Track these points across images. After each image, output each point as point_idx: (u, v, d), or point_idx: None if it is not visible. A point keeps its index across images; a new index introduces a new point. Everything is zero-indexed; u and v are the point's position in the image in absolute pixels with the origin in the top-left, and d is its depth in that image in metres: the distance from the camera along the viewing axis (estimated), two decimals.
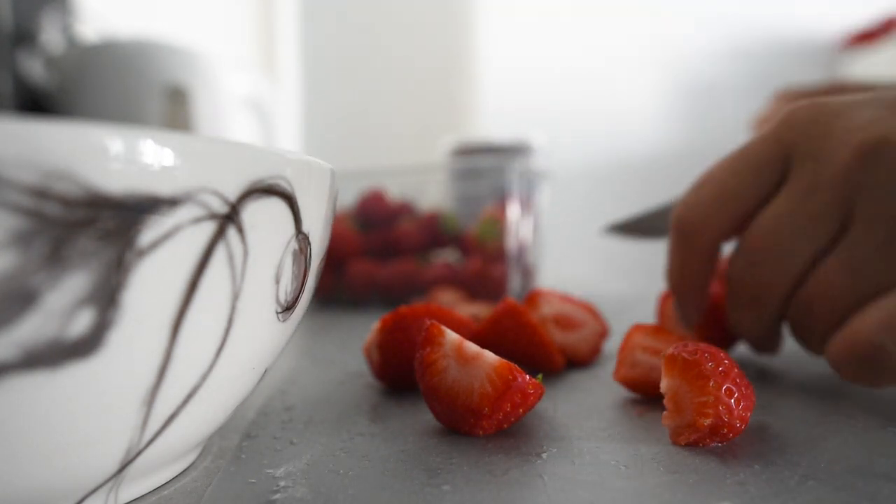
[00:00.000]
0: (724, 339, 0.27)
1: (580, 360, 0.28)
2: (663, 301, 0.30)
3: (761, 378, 0.26)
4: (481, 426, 0.18)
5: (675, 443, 0.18)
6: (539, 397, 0.19)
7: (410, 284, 0.47)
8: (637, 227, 0.36)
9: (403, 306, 0.24)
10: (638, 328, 0.23)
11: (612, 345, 0.33)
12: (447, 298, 0.42)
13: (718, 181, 0.24)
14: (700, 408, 0.17)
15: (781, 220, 0.22)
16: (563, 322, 0.28)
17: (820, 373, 0.26)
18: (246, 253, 0.14)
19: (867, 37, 1.52)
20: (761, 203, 0.23)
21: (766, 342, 0.25)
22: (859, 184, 0.20)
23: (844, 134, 0.21)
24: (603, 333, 0.29)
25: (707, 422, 0.17)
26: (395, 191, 0.52)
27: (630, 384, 0.23)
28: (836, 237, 0.21)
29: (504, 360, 0.18)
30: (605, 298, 0.47)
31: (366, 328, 0.25)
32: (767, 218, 0.23)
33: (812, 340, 0.23)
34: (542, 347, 0.25)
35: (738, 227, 0.24)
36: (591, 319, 0.29)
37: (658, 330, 0.23)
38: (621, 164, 1.59)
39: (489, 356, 0.18)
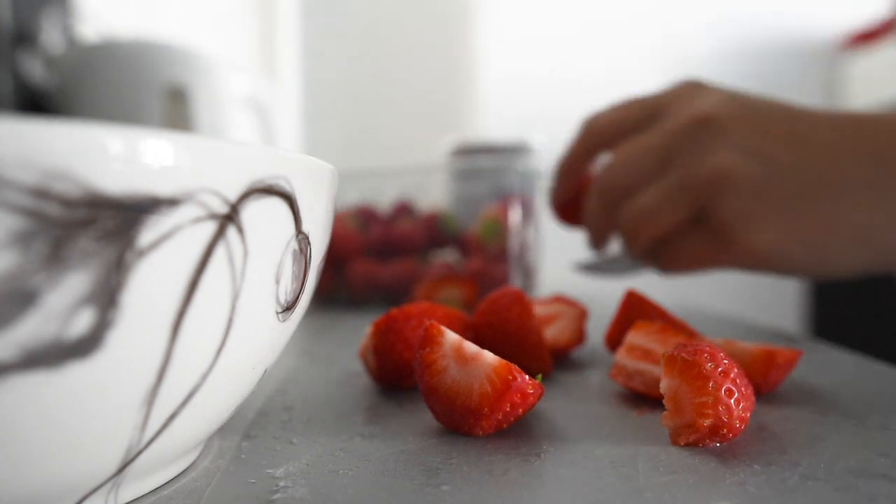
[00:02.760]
0: (574, 221, 0.40)
1: (568, 347, 0.28)
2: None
3: None
4: (481, 426, 0.18)
5: (674, 443, 0.18)
6: (539, 397, 0.19)
7: (410, 284, 0.47)
8: (601, 269, 0.43)
9: (394, 308, 0.24)
10: (639, 326, 0.23)
11: (595, 327, 0.33)
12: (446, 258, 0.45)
13: (618, 111, 0.35)
14: (700, 408, 0.17)
15: (633, 147, 0.33)
16: (539, 321, 0.28)
17: (820, 373, 0.26)
18: (246, 253, 0.14)
19: (867, 37, 1.52)
20: (632, 131, 0.34)
21: (597, 235, 0.37)
22: (682, 140, 0.31)
23: (693, 105, 0.32)
24: (581, 316, 0.29)
25: (707, 422, 0.17)
26: (395, 191, 0.52)
27: (628, 387, 0.23)
28: (657, 173, 0.32)
29: (504, 361, 0.18)
30: (606, 298, 0.47)
31: (366, 328, 0.25)
32: (628, 144, 0.33)
33: (626, 242, 0.34)
34: (534, 342, 0.25)
35: (610, 136, 0.36)
36: (565, 308, 0.29)
37: (661, 329, 0.23)
38: None
39: (489, 356, 0.18)
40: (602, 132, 0.36)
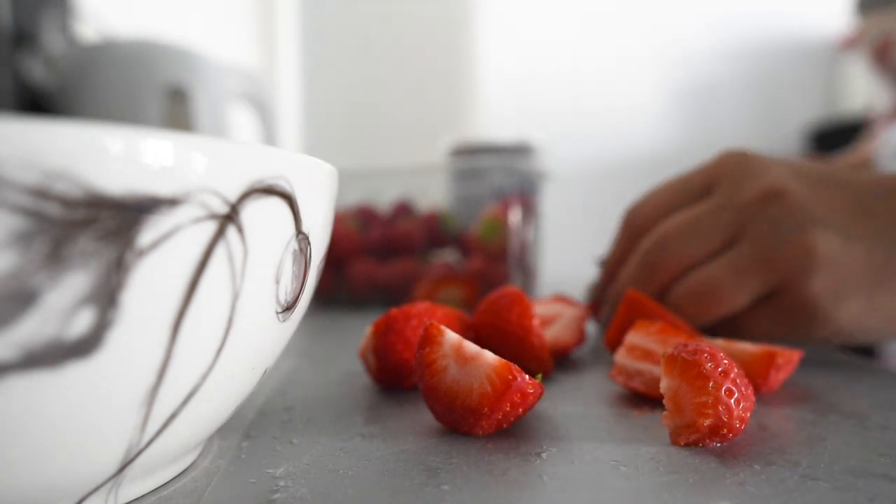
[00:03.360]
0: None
1: (568, 347, 0.28)
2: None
3: None
4: (481, 426, 0.18)
5: (674, 443, 0.18)
6: (539, 397, 0.19)
7: (410, 284, 0.47)
8: None
9: (394, 308, 0.24)
10: (639, 325, 0.23)
11: (595, 327, 0.33)
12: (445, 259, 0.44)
13: (660, 195, 0.32)
14: (700, 408, 0.17)
15: (691, 221, 0.30)
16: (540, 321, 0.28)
17: (820, 373, 0.26)
18: (246, 253, 0.14)
19: None
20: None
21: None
22: (754, 215, 0.29)
23: (757, 179, 0.29)
24: (581, 316, 0.29)
25: (707, 422, 0.17)
26: (395, 191, 0.52)
27: (628, 387, 0.23)
28: (721, 248, 0.29)
29: (504, 360, 0.18)
30: None
31: (366, 328, 0.25)
32: (682, 217, 0.30)
33: (682, 315, 0.30)
34: (532, 343, 0.25)
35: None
36: (565, 308, 0.29)
37: (661, 329, 0.23)
38: (621, 163, 1.59)
39: (489, 356, 0.18)
40: (646, 225, 0.32)
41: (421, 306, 0.24)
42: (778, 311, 0.29)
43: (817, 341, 0.29)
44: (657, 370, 0.22)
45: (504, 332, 0.25)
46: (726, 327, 0.30)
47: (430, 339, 0.19)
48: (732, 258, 0.29)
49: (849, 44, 1.48)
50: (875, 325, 0.29)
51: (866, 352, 0.82)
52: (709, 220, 0.29)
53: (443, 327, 0.19)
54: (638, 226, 0.32)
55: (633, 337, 0.23)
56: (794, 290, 0.28)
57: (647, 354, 0.22)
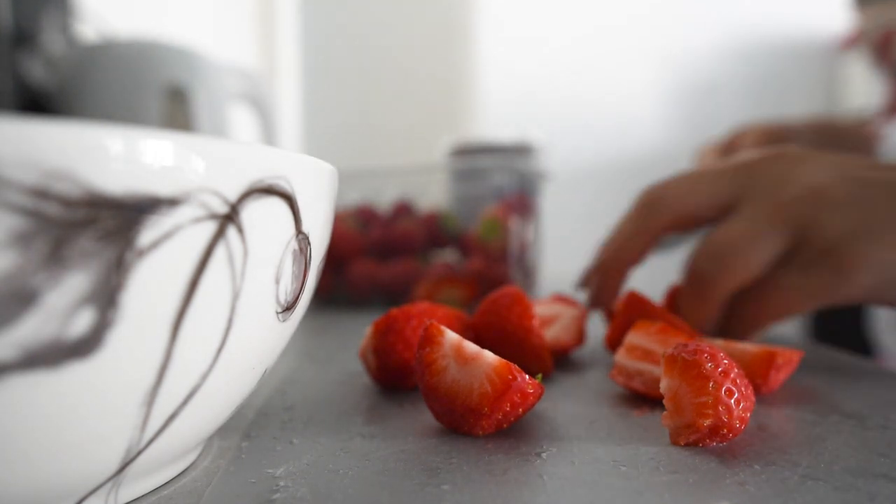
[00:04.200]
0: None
1: (568, 347, 0.28)
2: (670, 296, 0.31)
3: None
4: (481, 426, 0.18)
5: (674, 443, 0.18)
6: (539, 397, 0.19)
7: (410, 284, 0.47)
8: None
9: (395, 308, 0.24)
10: (639, 325, 0.23)
11: (595, 327, 0.33)
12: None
13: (684, 184, 0.31)
14: (700, 408, 0.17)
15: (743, 231, 0.28)
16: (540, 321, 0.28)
17: (820, 373, 0.26)
18: (246, 253, 0.14)
19: None
20: (707, 215, 0.30)
21: (708, 325, 0.30)
22: (806, 215, 0.27)
23: (797, 181, 0.28)
24: (581, 316, 0.29)
25: (707, 422, 0.17)
26: (395, 191, 0.52)
27: (628, 387, 0.23)
28: (782, 251, 0.28)
29: (504, 360, 0.18)
30: None
31: (366, 328, 0.25)
32: (730, 229, 0.28)
33: (743, 326, 0.29)
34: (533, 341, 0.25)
35: (681, 225, 0.31)
36: (565, 308, 0.29)
37: (661, 329, 0.23)
38: (621, 163, 1.59)
39: (489, 356, 0.18)
40: (674, 214, 0.30)
41: (421, 306, 0.24)
42: (805, 260, 0.27)
43: (859, 296, 0.27)
44: (657, 370, 0.22)
45: (504, 332, 0.25)
46: (763, 297, 0.28)
47: (430, 339, 0.19)
48: (745, 213, 0.28)
49: (849, 43, 1.48)
50: None
51: (866, 352, 0.83)
52: (760, 227, 0.28)
53: (443, 327, 0.19)
54: (655, 205, 0.31)
55: (633, 337, 0.23)
56: (815, 235, 0.27)
57: (647, 354, 0.22)
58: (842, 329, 0.89)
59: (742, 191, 0.29)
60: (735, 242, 0.28)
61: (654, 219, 0.31)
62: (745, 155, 0.31)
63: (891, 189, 0.27)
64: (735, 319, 0.29)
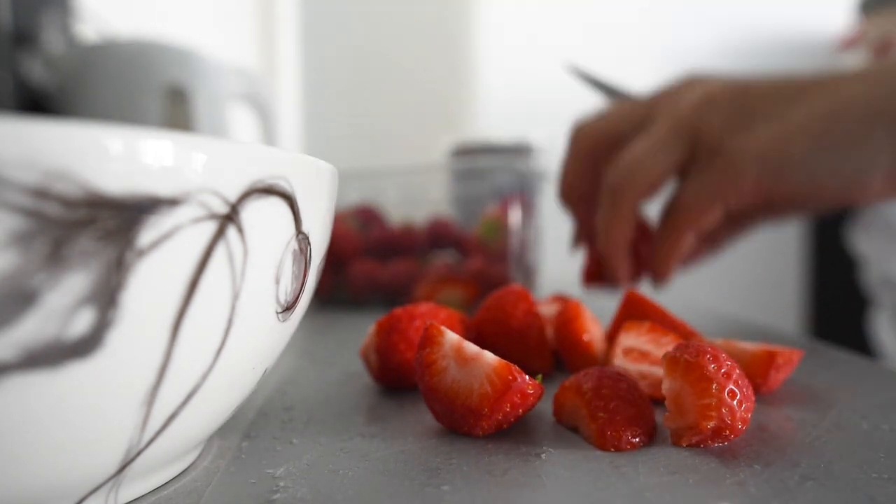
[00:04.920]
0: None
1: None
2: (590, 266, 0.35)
3: None
4: (481, 426, 0.18)
5: (676, 444, 0.18)
6: (539, 397, 0.19)
7: (410, 284, 0.47)
8: (596, 83, 0.43)
9: (398, 308, 0.24)
10: (630, 326, 0.23)
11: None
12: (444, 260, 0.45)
13: (641, 159, 0.33)
14: (703, 410, 0.17)
15: (645, 145, 0.32)
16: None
17: (820, 373, 0.26)
18: (246, 253, 0.14)
19: None
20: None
21: (624, 238, 0.34)
22: (696, 119, 0.31)
23: (692, 95, 0.32)
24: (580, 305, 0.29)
25: (710, 424, 0.17)
26: (395, 191, 0.52)
27: None
28: (683, 158, 0.32)
29: (504, 361, 0.18)
30: (606, 298, 0.47)
31: (366, 328, 0.25)
32: (633, 146, 0.33)
33: (665, 240, 0.33)
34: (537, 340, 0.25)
35: (651, 193, 0.33)
36: (560, 306, 0.29)
37: (651, 328, 0.23)
38: None
39: (489, 356, 0.18)
40: (597, 143, 0.36)
41: (424, 307, 0.24)
42: (701, 164, 0.31)
43: (764, 188, 0.30)
44: (656, 370, 0.22)
45: (508, 329, 0.25)
46: (672, 208, 0.33)
47: (430, 339, 0.19)
48: (650, 130, 0.32)
49: (848, 43, 1.48)
50: (788, 165, 0.29)
51: (867, 352, 0.82)
52: (658, 141, 0.32)
53: (443, 328, 0.19)
54: (622, 189, 0.34)
55: (627, 339, 0.23)
56: (704, 137, 0.30)
57: (643, 356, 0.22)
58: (842, 329, 0.89)
59: (692, 148, 0.32)
60: (637, 156, 0.32)
61: (625, 201, 0.33)
62: (674, 105, 0.33)
63: (764, 89, 0.31)
64: (658, 236, 0.34)
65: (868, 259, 0.77)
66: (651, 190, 0.33)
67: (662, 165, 0.32)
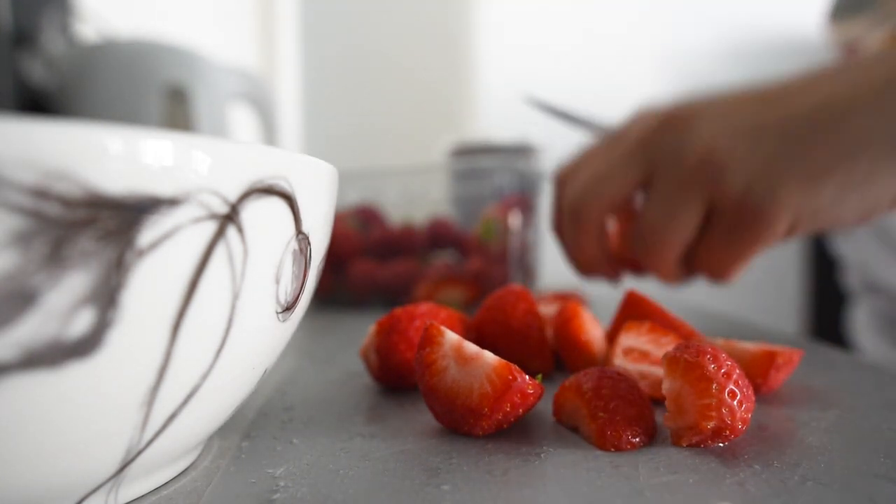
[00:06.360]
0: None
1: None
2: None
3: None
4: (481, 426, 0.18)
5: (676, 444, 0.18)
6: (539, 397, 0.19)
7: (410, 284, 0.47)
8: (554, 111, 0.43)
9: (398, 308, 0.24)
10: (630, 327, 0.23)
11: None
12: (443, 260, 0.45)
13: (598, 179, 0.33)
14: (703, 410, 0.17)
15: (662, 211, 0.31)
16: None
17: (820, 373, 0.26)
18: (246, 253, 0.14)
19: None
20: (629, 194, 0.32)
21: (675, 279, 0.34)
22: (709, 181, 0.29)
23: (692, 149, 0.30)
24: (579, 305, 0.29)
25: (710, 424, 0.17)
26: (396, 191, 0.52)
27: None
28: (702, 217, 0.30)
29: (504, 361, 0.18)
30: (606, 298, 0.47)
31: (366, 328, 0.25)
32: (649, 210, 0.31)
33: (656, 268, 0.33)
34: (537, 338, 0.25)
35: (612, 210, 0.33)
36: (561, 303, 0.29)
37: (651, 328, 0.23)
38: None
39: (489, 356, 0.18)
40: (601, 207, 0.34)
41: (425, 307, 0.24)
42: (726, 224, 0.29)
43: (794, 231, 0.29)
44: (656, 370, 0.22)
45: (508, 329, 0.25)
46: (702, 260, 0.31)
47: (430, 339, 0.19)
48: (659, 189, 0.30)
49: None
50: (832, 193, 0.28)
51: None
52: (618, 160, 0.32)
53: (443, 328, 0.19)
54: (583, 210, 0.33)
55: (627, 339, 0.23)
56: (724, 197, 0.29)
57: (643, 356, 0.22)
58: (842, 329, 0.89)
59: (651, 166, 0.31)
60: (658, 221, 0.31)
61: (587, 223, 0.33)
62: (639, 128, 0.32)
63: (780, 131, 0.28)
64: (709, 277, 0.33)
65: (848, 262, 0.77)
66: (612, 209, 0.32)
67: (685, 231, 0.31)
